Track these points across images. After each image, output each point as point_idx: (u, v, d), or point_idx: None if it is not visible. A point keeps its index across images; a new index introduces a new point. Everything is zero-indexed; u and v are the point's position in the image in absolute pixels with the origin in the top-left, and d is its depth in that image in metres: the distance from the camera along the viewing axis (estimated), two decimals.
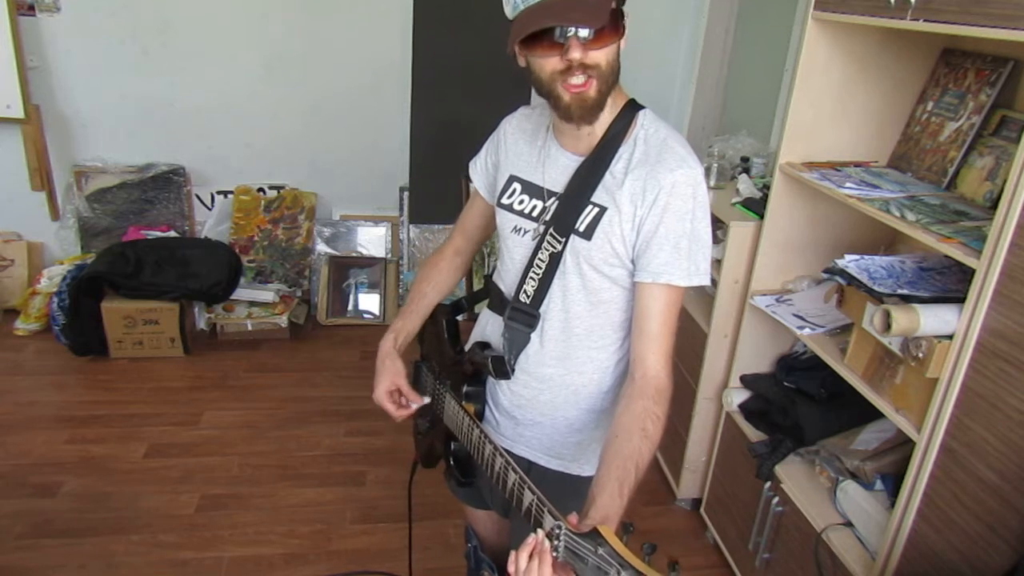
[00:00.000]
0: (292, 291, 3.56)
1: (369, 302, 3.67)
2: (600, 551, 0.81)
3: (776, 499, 1.86)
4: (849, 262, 1.58)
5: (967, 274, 1.33)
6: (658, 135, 1.14)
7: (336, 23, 3.39)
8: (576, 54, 1.02)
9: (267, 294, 3.42)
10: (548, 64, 1.05)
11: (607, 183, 1.13)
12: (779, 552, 1.89)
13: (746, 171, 2.48)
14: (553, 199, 1.18)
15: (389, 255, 3.72)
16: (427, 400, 1.37)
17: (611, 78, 1.08)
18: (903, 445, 1.67)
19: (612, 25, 1.03)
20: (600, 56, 1.04)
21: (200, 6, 3.28)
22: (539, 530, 0.90)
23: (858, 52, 1.77)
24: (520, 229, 1.22)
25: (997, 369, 1.26)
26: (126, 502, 2.34)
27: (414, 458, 1.56)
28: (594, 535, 0.82)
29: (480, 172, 1.36)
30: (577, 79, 1.04)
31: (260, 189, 3.64)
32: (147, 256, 3.14)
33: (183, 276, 3.14)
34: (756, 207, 2.06)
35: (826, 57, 1.76)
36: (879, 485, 1.67)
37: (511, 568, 0.89)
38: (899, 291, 1.48)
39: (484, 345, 1.32)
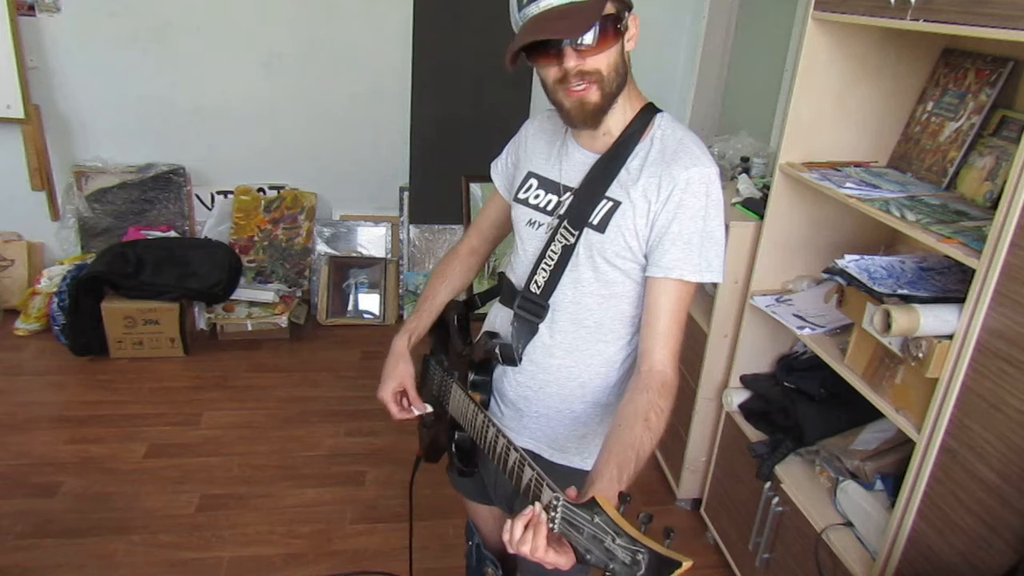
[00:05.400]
0: (292, 291, 3.56)
1: (369, 302, 3.67)
2: (596, 520, 0.82)
3: (776, 499, 1.86)
4: (849, 262, 1.58)
5: (967, 274, 1.33)
6: (675, 135, 1.16)
7: (336, 23, 3.39)
8: (571, 62, 1.05)
9: (267, 294, 3.42)
10: (550, 74, 1.09)
11: (622, 179, 1.15)
12: (779, 552, 1.90)
13: (746, 171, 2.48)
14: (568, 194, 1.20)
15: (389, 255, 3.72)
16: (429, 409, 1.38)
17: (615, 82, 1.10)
18: (903, 445, 1.67)
19: (608, 31, 1.05)
20: (599, 62, 1.07)
21: (200, 6, 3.28)
22: (536, 503, 0.91)
23: (858, 52, 1.77)
24: (535, 223, 1.24)
25: (997, 369, 1.26)
26: (126, 502, 2.34)
27: (417, 453, 1.56)
28: (591, 504, 0.83)
29: (501, 172, 1.39)
30: (577, 85, 1.07)
31: (260, 189, 3.64)
32: (147, 256, 3.14)
33: (183, 276, 3.14)
34: (756, 207, 2.07)
35: (826, 57, 1.76)
36: (879, 485, 1.67)
37: (505, 537, 0.90)
38: (899, 291, 1.48)
39: (493, 334, 1.33)
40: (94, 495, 2.36)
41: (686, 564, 0.75)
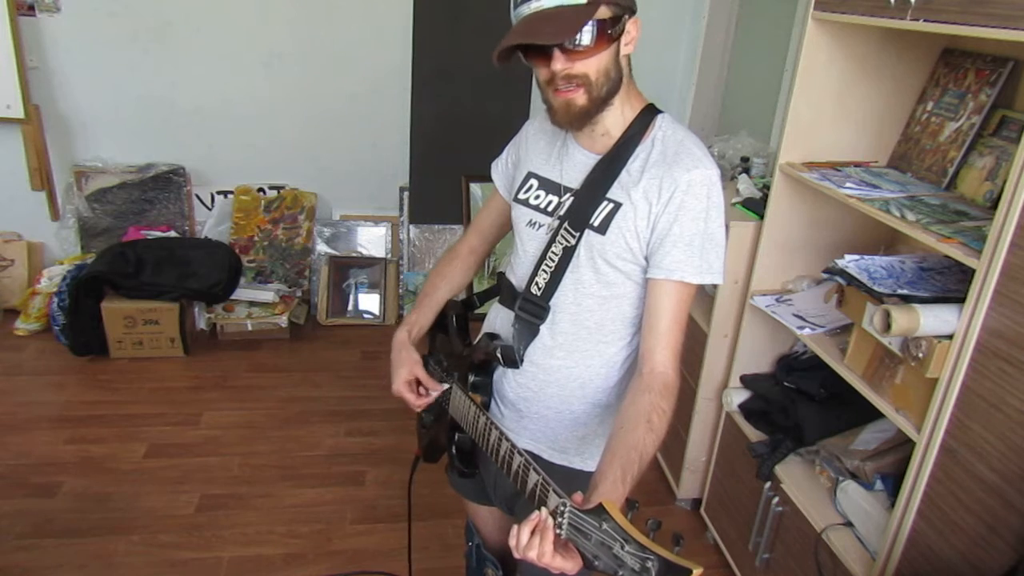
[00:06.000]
0: (292, 291, 3.56)
1: (369, 302, 3.67)
2: (604, 526, 0.82)
3: (776, 499, 1.86)
4: (849, 262, 1.58)
5: (967, 274, 1.33)
6: (675, 136, 1.16)
7: (337, 23, 3.40)
8: (558, 65, 1.06)
9: (267, 294, 3.42)
10: (541, 74, 1.10)
11: (623, 180, 1.15)
12: (779, 552, 1.90)
13: (746, 171, 2.48)
14: (569, 195, 1.20)
15: (389, 255, 3.72)
16: (447, 386, 1.36)
17: (604, 86, 1.10)
18: (903, 445, 1.67)
19: (599, 35, 1.05)
20: (587, 66, 1.07)
21: (200, 6, 3.28)
22: (543, 508, 0.91)
23: (858, 52, 1.77)
24: (535, 223, 1.25)
25: (997, 369, 1.26)
26: (126, 502, 2.34)
27: (415, 453, 1.56)
28: (599, 511, 0.83)
29: (501, 172, 1.40)
30: (564, 87, 1.08)
31: (260, 189, 3.64)
32: (147, 256, 3.14)
33: (183, 276, 3.14)
34: (756, 207, 2.07)
35: (826, 57, 1.76)
36: (879, 485, 1.67)
37: (512, 542, 0.90)
38: (899, 291, 1.48)
39: (493, 336, 1.33)
40: (94, 495, 2.36)
41: (696, 571, 0.75)
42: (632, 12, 1.10)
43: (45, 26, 3.21)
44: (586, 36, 1.04)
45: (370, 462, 2.61)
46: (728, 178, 2.51)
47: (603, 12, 1.04)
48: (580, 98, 1.09)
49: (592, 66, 1.07)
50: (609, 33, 1.06)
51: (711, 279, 1.13)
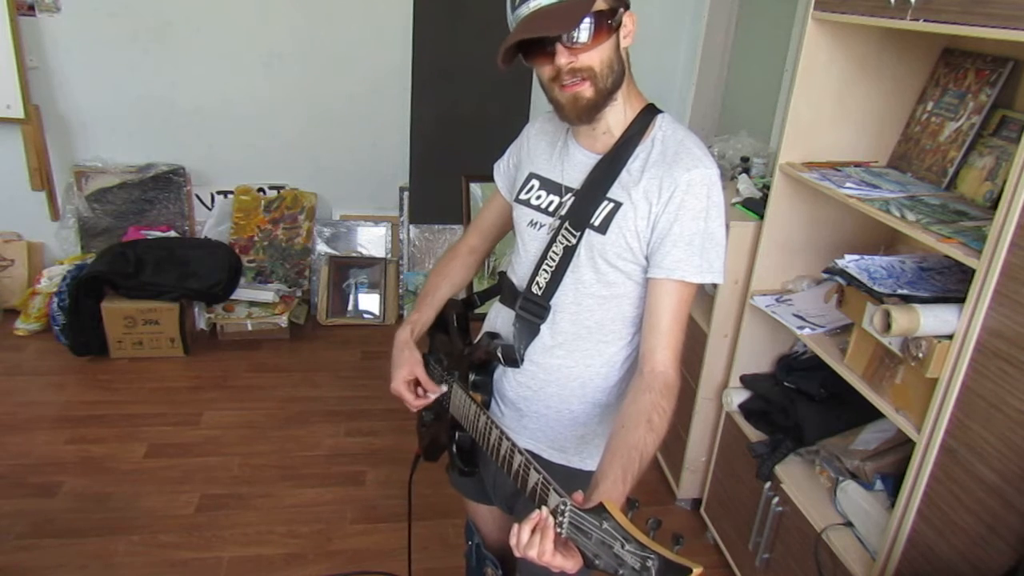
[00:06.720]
0: (292, 291, 3.56)
1: (369, 302, 3.67)
2: (605, 525, 0.82)
3: (776, 499, 1.86)
4: (849, 262, 1.59)
5: (967, 274, 1.33)
6: (676, 136, 1.17)
7: (337, 23, 3.40)
8: (563, 60, 1.07)
9: (267, 294, 3.42)
10: (544, 72, 1.11)
11: (623, 180, 1.15)
12: (779, 552, 1.90)
13: (746, 171, 2.48)
14: (570, 195, 1.21)
15: (389, 255, 3.72)
16: (445, 389, 1.36)
17: (609, 78, 1.11)
18: (903, 445, 1.67)
19: (599, 28, 1.06)
20: (591, 58, 1.08)
21: (200, 6, 3.28)
22: (543, 507, 0.92)
23: (858, 52, 1.77)
24: (536, 223, 1.25)
25: (997, 369, 1.26)
26: (126, 502, 2.34)
27: (416, 452, 1.57)
28: (599, 510, 0.83)
29: (503, 173, 1.40)
30: (569, 80, 1.08)
31: (260, 189, 3.64)
32: (147, 256, 3.14)
33: (183, 276, 3.14)
34: (756, 207, 2.07)
35: (826, 57, 1.76)
36: (879, 485, 1.67)
37: (512, 541, 0.91)
38: (899, 291, 1.48)
39: (494, 335, 1.33)
40: (94, 495, 2.36)
41: (696, 570, 0.76)
42: (627, 6, 1.12)
43: (45, 26, 3.21)
44: (587, 28, 1.05)
45: (370, 462, 2.61)
46: (728, 178, 2.51)
47: (600, 4, 1.06)
48: (587, 91, 1.09)
49: (595, 58, 1.08)
50: (609, 24, 1.07)
51: (711, 278, 1.13)
